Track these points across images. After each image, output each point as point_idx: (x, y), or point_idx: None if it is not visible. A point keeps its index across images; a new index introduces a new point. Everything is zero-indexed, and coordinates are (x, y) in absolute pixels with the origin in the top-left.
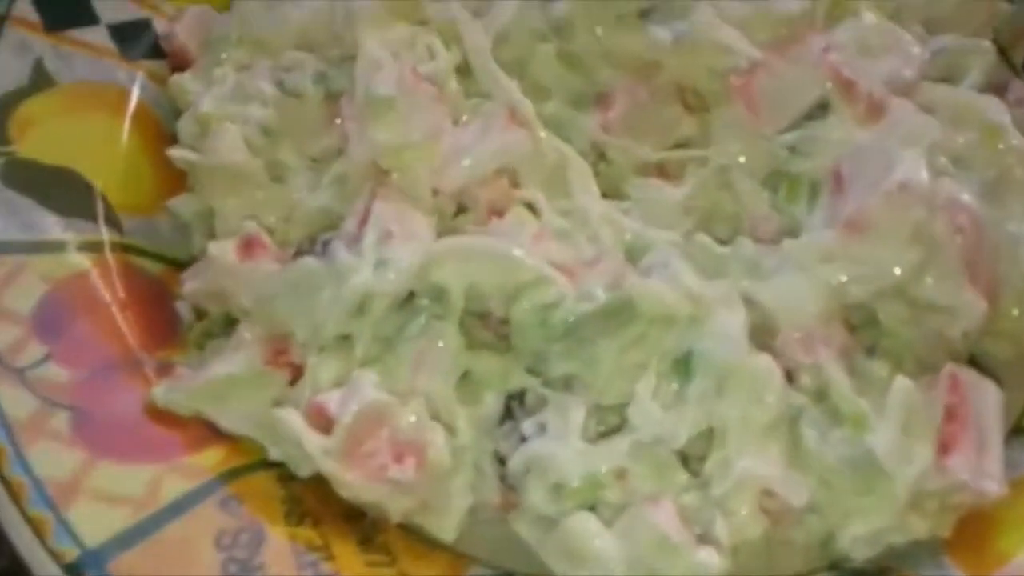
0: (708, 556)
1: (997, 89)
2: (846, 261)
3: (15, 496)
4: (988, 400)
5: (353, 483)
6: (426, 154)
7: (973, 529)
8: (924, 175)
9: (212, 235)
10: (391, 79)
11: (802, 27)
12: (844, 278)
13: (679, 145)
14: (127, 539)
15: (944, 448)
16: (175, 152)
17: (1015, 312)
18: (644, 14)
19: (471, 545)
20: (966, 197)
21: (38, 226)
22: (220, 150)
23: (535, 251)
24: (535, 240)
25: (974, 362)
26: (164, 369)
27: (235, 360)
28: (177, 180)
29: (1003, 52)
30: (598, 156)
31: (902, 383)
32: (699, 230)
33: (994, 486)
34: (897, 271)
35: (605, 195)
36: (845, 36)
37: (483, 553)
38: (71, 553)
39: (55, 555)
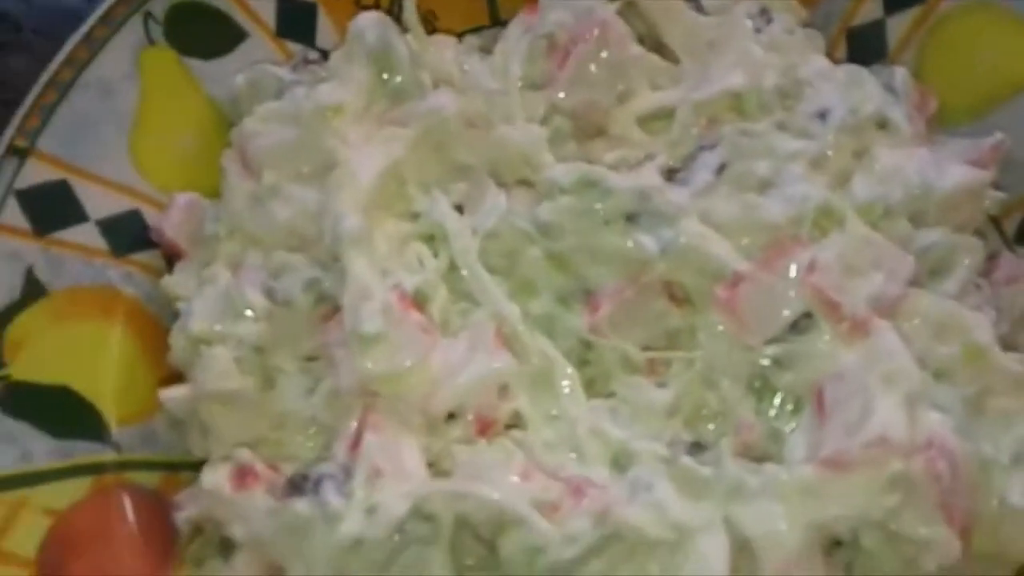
0: None
1: (987, 263)
2: (825, 499)
3: None
4: None
5: None
6: (415, 380)
7: None
8: (903, 425)
9: (207, 432)
10: (378, 312)
11: (787, 236)
12: (823, 514)
13: (668, 341)
14: None
15: None
16: (166, 395)
17: (987, 537)
18: (630, 218)
19: None
20: (945, 436)
21: (36, 454)
22: (211, 378)
23: (521, 489)
24: (521, 476)
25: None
26: None
27: None
28: (173, 375)
29: (996, 222)
30: (585, 352)
31: None
32: (685, 434)
33: None
34: (873, 511)
35: (592, 389)
36: (830, 253)
37: None
38: None
39: None
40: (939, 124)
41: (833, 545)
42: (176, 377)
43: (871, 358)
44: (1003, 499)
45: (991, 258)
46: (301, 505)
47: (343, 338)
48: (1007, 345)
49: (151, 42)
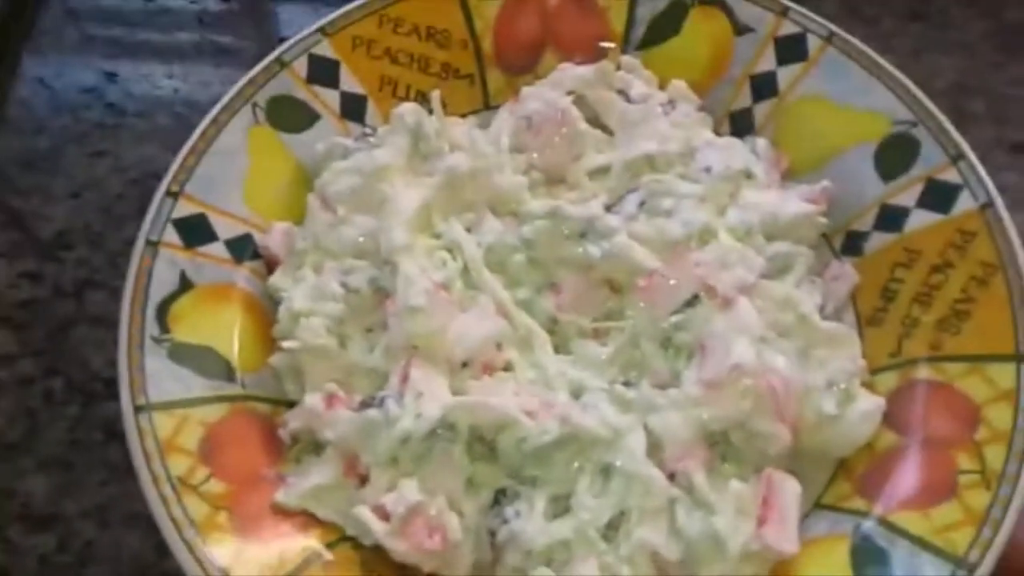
0: None
1: (822, 267)
2: (705, 407)
3: (204, 567)
4: (789, 492)
5: (403, 552)
6: (442, 339)
7: (782, 571)
8: (752, 358)
9: (299, 382)
10: (421, 292)
11: (682, 246)
12: (704, 417)
13: (607, 315)
14: None
15: (761, 523)
16: (286, 344)
17: (811, 437)
18: (582, 235)
19: None
20: (779, 365)
21: (194, 388)
22: (308, 337)
23: (513, 402)
24: (514, 394)
25: (794, 464)
26: (279, 479)
27: (324, 473)
28: (272, 344)
29: (827, 239)
30: (552, 324)
31: (735, 485)
32: (619, 375)
33: (790, 547)
34: (735, 414)
35: (557, 351)
36: (710, 255)
37: None
38: None
39: None
40: (789, 176)
41: (712, 443)
42: (274, 345)
43: (734, 320)
44: (819, 410)
45: (825, 265)
46: (372, 413)
47: (396, 311)
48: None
49: (256, 122)
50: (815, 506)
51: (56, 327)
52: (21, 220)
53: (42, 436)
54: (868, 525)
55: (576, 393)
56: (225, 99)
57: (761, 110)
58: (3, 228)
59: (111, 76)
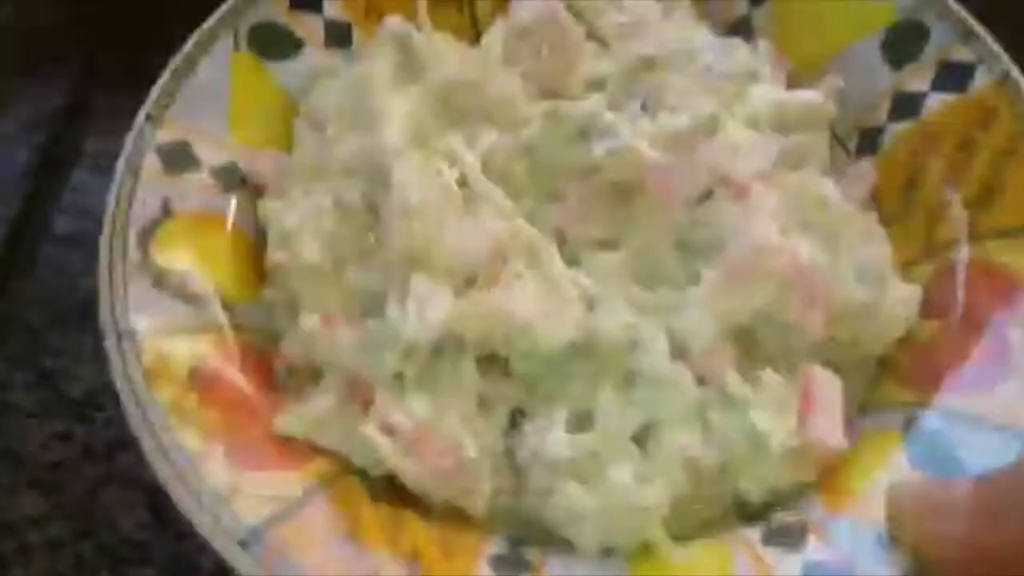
0: (651, 492)
1: (837, 169)
2: (727, 297)
3: (199, 500)
4: (831, 386)
5: (415, 474)
6: (442, 245)
7: (830, 476)
8: (773, 238)
9: (293, 315)
10: (417, 191)
11: (691, 137)
12: (726, 307)
13: (616, 226)
14: (272, 521)
15: (802, 418)
16: (274, 255)
17: (845, 329)
18: (582, 135)
19: (494, 519)
20: (802, 250)
21: (180, 315)
22: (302, 253)
23: (524, 307)
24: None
25: (831, 364)
26: (275, 410)
27: (325, 399)
28: (261, 277)
29: (840, 142)
30: (560, 237)
31: (770, 376)
32: (633, 284)
33: (837, 441)
34: (762, 302)
35: (567, 265)
36: (722, 144)
37: (502, 526)
38: (241, 531)
39: (229, 533)
40: (795, 81)
41: (738, 342)
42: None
43: (752, 207)
44: (851, 297)
45: (841, 170)
46: (373, 323)
47: (390, 215)
48: None
49: (237, 49)
50: (859, 412)
51: (87, 489)
52: (51, 380)
53: None
54: (922, 414)
55: (590, 305)
56: (205, 26)
57: (759, 15)
58: (33, 388)
59: None
